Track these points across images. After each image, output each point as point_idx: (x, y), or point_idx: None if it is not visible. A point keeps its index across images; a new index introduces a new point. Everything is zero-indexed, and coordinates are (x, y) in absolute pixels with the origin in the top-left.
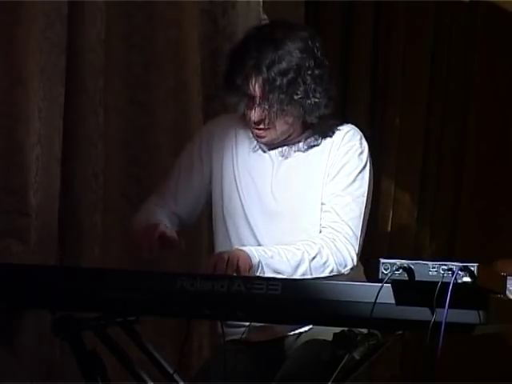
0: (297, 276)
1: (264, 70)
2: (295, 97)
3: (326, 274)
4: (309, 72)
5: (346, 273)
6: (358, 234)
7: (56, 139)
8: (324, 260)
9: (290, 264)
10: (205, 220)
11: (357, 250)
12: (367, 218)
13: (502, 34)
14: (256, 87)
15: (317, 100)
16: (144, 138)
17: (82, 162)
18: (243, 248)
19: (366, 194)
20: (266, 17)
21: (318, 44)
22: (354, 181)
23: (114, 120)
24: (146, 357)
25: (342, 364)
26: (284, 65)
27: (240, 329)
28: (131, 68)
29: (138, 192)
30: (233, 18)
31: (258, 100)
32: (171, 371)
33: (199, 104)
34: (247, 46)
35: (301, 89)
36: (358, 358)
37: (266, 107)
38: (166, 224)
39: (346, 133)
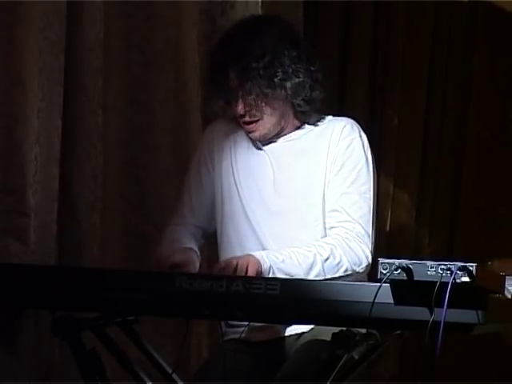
0: (310, 278)
1: (238, 59)
2: (275, 79)
3: (340, 274)
4: (285, 53)
5: (361, 271)
6: (370, 230)
7: (55, 139)
8: (337, 260)
9: (302, 267)
10: None
11: (370, 246)
12: (375, 211)
13: (501, 34)
14: (234, 78)
15: (300, 79)
16: (143, 138)
17: (80, 162)
18: (254, 253)
19: (372, 188)
20: None
21: (291, 27)
22: (359, 176)
23: (112, 120)
24: (145, 357)
25: (340, 364)
26: (257, 49)
27: (240, 328)
28: (130, 68)
29: (137, 192)
30: (232, 17)
31: (239, 91)
32: (170, 371)
33: (198, 104)
34: (221, 43)
35: (279, 70)
36: (356, 357)
37: (248, 96)
38: (184, 246)
39: (344, 127)
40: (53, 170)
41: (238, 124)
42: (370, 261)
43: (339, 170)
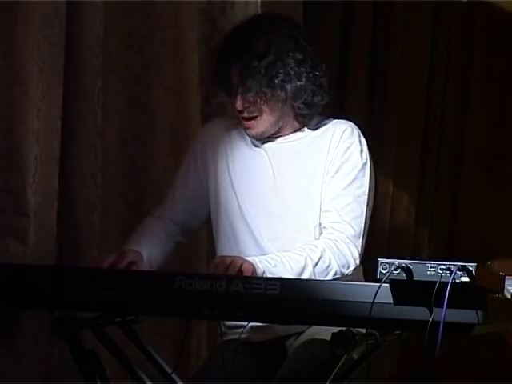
0: None
1: (242, 55)
2: (275, 80)
3: (329, 277)
4: (290, 55)
5: (349, 274)
6: (361, 233)
7: (54, 139)
8: (327, 264)
9: (294, 271)
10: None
11: (359, 249)
12: (370, 216)
13: (501, 34)
14: (235, 74)
15: (301, 83)
16: (142, 138)
17: (80, 162)
18: (248, 258)
19: (367, 193)
20: None
21: (300, 30)
22: (355, 179)
23: (112, 120)
24: (144, 357)
25: (340, 364)
26: (261, 48)
27: (239, 329)
28: (130, 68)
29: (137, 192)
30: (231, 17)
31: (239, 87)
32: (170, 371)
33: (198, 104)
34: (227, 39)
35: (281, 71)
36: (356, 357)
37: (247, 93)
38: (144, 248)
39: (345, 130)
40: (52, 169)
41: (235, 123)
42: (358, 263)
43: (336, 173)
